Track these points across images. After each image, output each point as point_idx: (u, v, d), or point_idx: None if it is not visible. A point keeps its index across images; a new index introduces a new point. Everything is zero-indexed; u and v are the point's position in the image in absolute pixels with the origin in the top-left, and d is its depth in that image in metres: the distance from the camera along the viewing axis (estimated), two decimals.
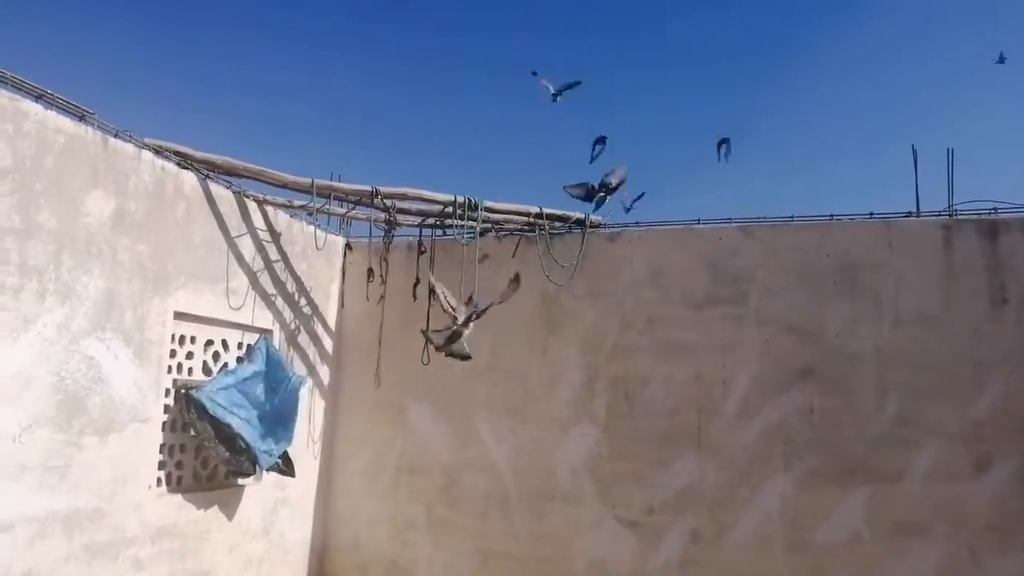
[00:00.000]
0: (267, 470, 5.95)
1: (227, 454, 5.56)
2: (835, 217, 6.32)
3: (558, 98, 6.73)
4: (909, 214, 6.19)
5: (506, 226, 7.12)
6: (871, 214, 6.25)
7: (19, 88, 4.42)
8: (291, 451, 6.57)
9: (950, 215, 6.09)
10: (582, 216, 6.96)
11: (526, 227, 7.07)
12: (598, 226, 6.99)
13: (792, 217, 6.41)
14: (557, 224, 7.03)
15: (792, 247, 6.32)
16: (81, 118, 4.79)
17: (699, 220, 6.68)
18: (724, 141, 7.24)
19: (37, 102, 4.49)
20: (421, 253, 7.09)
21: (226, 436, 5.53)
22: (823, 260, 6.21)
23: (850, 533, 5.86)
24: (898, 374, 5.91)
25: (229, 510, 5.94)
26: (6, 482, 4.14)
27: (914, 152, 6.36)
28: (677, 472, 6.31)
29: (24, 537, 4.25)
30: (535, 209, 6.91)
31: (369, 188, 6.42)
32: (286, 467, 6.17)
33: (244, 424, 5.59)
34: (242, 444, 5.59)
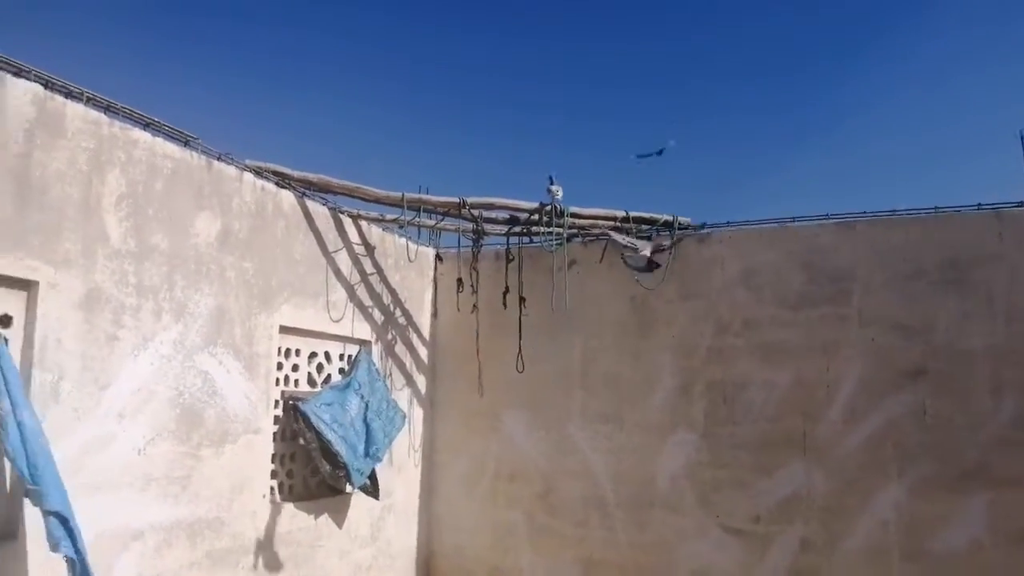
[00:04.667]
0: (358, 488, 6.06)
1: (329, 467, 5.71)
2: (939, 209, 6.04)
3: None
4: (1021, 204, 5.86)
5: (592, 231, 7.08)
6: (979, 205, 5.94)
7: (129, 117, 4.66)
8: (393, 459, 6.70)
9: None
10: (670, 218, 6.86)
11: (613, 231, 7.01)
12: (687, 227, 6.88)
13: (894, 211, 6.16)
14: (644, 227, 6.95)
15: (895, 242, 6.07)
16: (186, 143, 5.00)
17: (793, 218, 6.50)
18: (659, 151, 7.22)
19: (146, 130, 4.71)
20: (509, 261, 7.12)
21: (327, 451, 5.67)
22: (929, 254, 5.94)
23: (970, 541, 5.57)
24: (1014, 373, 5.60)
25: (338, 518, 6.10)
26: (134, 493, 4.35)
27: (1022, 139, 6.02)
28: (782, 479, 6.14)
29: (153, 545, 4.46)
30: (621, 213, 6.85)
31: (457, 199, 6.50)
32: (372, 488, 6.25)
33: (341, 440, 5.72)
34: (340, 460, 5.72)
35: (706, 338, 6.55)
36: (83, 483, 4.00)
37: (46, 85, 4.09)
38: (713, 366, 6.49)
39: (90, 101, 4.33)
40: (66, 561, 3.66)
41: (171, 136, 4.90)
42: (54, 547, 3.61)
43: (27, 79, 4.00)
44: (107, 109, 4.47)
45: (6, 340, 3.86)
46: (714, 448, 6.39)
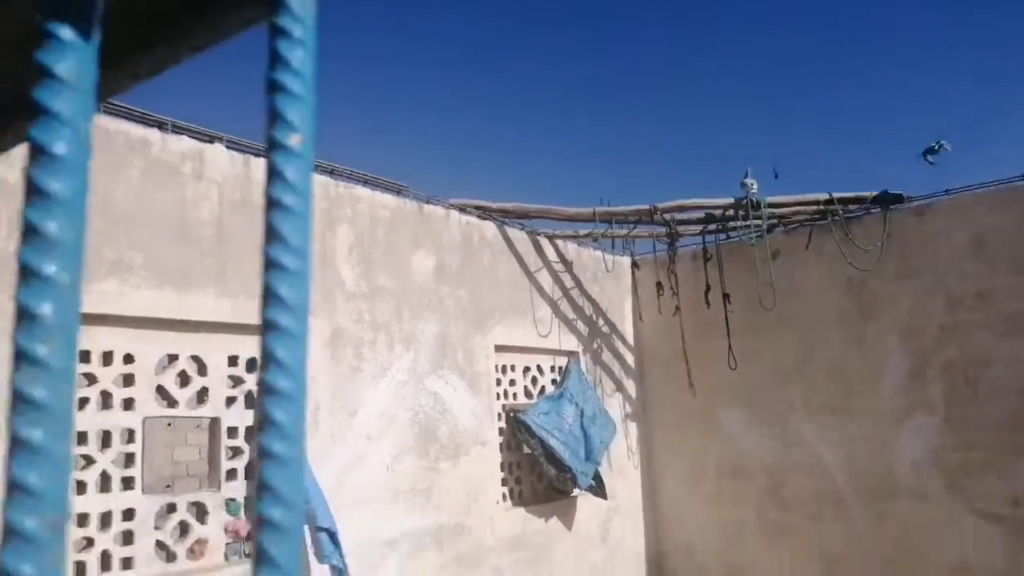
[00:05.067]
0: (584, 489, 6.28)
1: (554, 471, 6.01)
2: None
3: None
4: None
5: (794, 218, 6.84)
6: None
7: (350, 177, 5.30)
8: (612, 463, 6.86)
9: None
10: (878, 193, 6.46)
11: (816, 216, 6.73)
12: (899, 201, 6.44)
13: None
14: (851, 207, 6.60)
15: None
16: (398, 192, 5.58)
17: (1023, 175, 5.86)
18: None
19: (365, 186, 5.33)
20: (707, 260, 7.06)
21: (551, 456, 5.97)
22: None
23: None
24: None
25: (567, 520, 6.39)
26: (386, 506, 4.90)
27: None
28: None
29: (407, 551, 5.00)
30: (824, 196, 6.56)
31: (647, 206, 6.60)
32: (599, 488, 6.45)
33: (563, 446, 6.00)
34: (564, 464, 5.99)
35: (936, 316, 6.07)
36: (345, 499, 4.60)
37: None
38: (949, 345, 5.99)
39: (317, 167, 4.99)
40: (331, 570, 4.22)
41: (386, 188, 5.50)
42: (323, 559, 4.20)
43: (266, 157, 4.70)
44: (331, 172, 5.12)
45: None
46: (959, 430, 5.87)
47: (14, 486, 0.29)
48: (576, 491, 6.34)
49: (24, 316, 0.30)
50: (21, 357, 0.30)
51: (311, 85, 0.44)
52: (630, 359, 7.59)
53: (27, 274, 0.31)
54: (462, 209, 6.02)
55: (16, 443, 0.30)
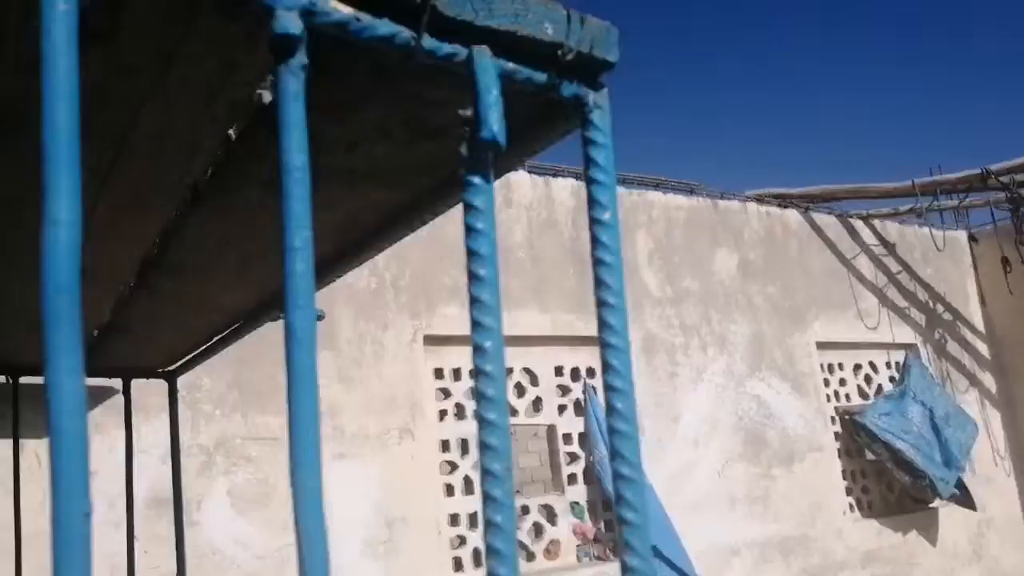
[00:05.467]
0: (946, 499, 5.60)
1: (908, 478, 5.45)
2: None
3: None
4: None
5: None
6: None
7: (641, 184, 5.42)
8: (975, 469, 6.06)
9: None
10: None
11: None
12: None
13: None
14: None
15: None
16: (691, 192, 5.56)
17: None
18: None
19: (656, 190, 5.40)
20: None
21: (900, 461, 5.46)
22: None
23: None
24: None
25: (929, 534, 5.73)
26: (722, 512, 4.76)
27: None
28: None
29: (751, 561, 4.79)
30: None
31: (978, 171, 5.84)
32: (965, 498, 5.67)
33: (913, 449, 5.44)
34: (917, 469, 5.42)
35: None
36: (680, 503, 4.52)
37: (577, 177, 5.08)
38: None
39: None
40: None
41: (677, 190, 5.53)
42: None
43: (563, 176, 5.06)
44: (623, 182, 5.29)
45: (595, 389, 4.79)
46: None
47: (484, 446, 0.52)
48: (936, 501, 5.66)
49: (477, 349, 0.53)
50: (479, 372, 0.53)
51: (613, 174, 0.63)
52: (982, 348, 6.63)
53: (477, 326, 0.54)
54: (760, 200, 5.79)
55: (482, 422, 0.52)
